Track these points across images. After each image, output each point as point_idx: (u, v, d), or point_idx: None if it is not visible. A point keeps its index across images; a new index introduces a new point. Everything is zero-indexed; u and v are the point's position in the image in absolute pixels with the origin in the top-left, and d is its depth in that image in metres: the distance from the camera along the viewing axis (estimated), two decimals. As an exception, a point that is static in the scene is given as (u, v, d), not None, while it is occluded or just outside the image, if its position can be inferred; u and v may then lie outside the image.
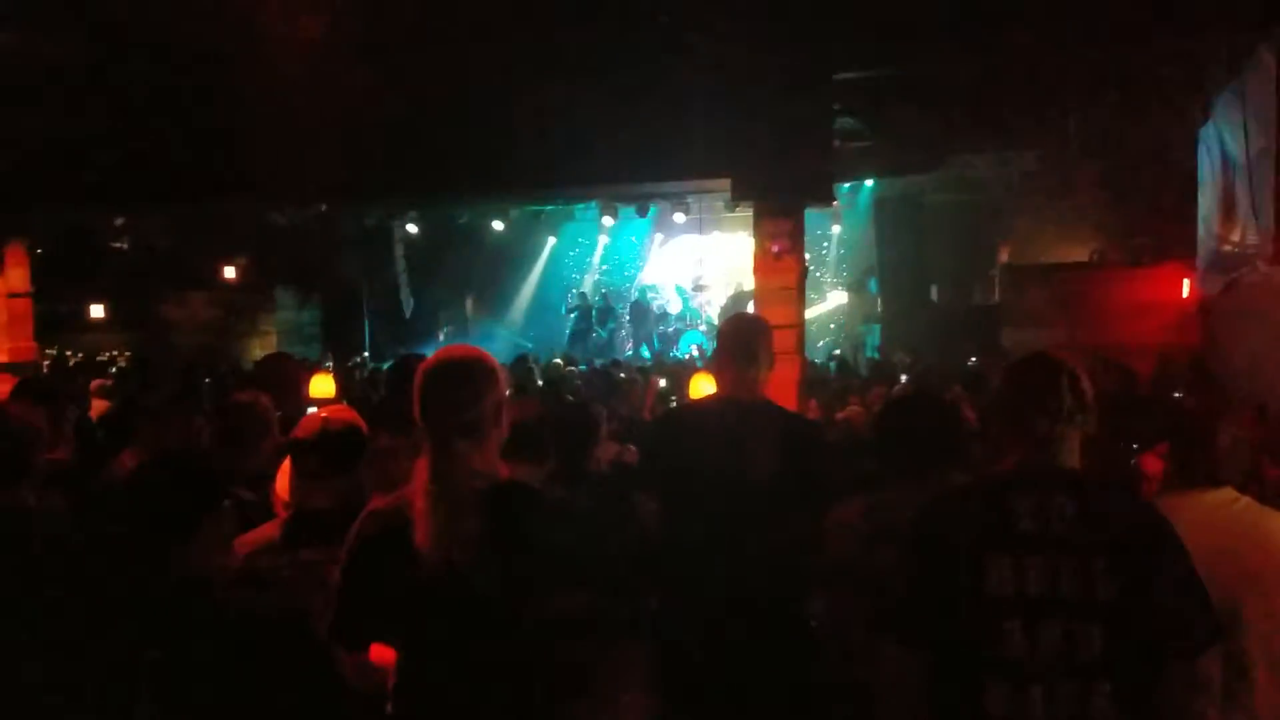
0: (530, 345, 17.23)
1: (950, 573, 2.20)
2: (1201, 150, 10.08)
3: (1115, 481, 2.78)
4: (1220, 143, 9.32)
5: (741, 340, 3.37)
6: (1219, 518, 2.87)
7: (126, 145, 9.76)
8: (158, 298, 15.06)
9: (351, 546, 2.31)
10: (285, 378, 4.67)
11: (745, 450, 3.18)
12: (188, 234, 13.82)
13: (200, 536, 2.42)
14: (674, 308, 18.62)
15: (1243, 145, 8.41)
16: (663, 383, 9.16)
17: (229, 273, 15.12)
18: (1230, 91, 8.86)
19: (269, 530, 2.91)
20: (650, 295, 18.61)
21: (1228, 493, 2.92)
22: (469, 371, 2.32)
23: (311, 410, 3.27)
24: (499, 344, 16.61)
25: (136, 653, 2.49)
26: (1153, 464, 3.89)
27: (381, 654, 2.35)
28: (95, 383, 8.21)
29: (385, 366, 10.77)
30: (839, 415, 6.51)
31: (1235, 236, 8.80)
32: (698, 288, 18.19)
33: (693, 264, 18.43)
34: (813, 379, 9.39)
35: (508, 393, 2.43)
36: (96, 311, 14.77)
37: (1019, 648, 2.12)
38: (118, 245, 13.77)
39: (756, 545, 3.12)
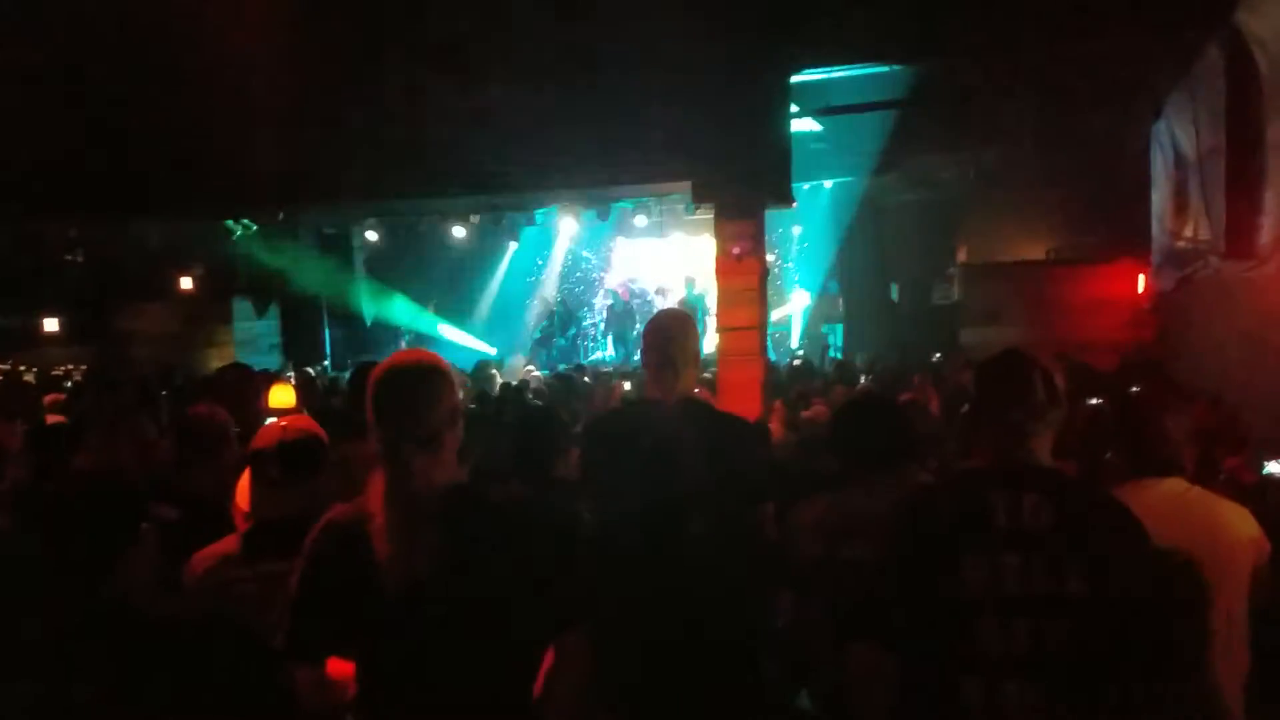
0: (494, 351, 17.17)
1: (926, 570, 2.20)
2: (1154, 148, 10.25)
3: (1087, 479, 2.81)
4: (1172, 140, 9.47)
5: (661, 340, 3.26)
6: (1171, 507, 2.91)
7: (78, 156, 9.61)
8: (113, 310, 14.84)
9: (308, 557, 2.25)
10: (242, 388, 4.62)
11: (667, 454, 3.10)
12: (143, 245, 13.62)
13: (127, 556, 2.36)
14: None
15: (1193, 142, 8.56)
16: (627, 385, 9.15)
17: (185, 283, 14.93)
18: (1181, 89, 9.01)
19: (229, 543, 2.87)
20: (622, 298, 18.61)
21: (1178, 483, 2.96)
22: (424, 378, 2.28)
23: (270, 420, 3.22)
24: (462, 350, 16.55)
25: (67, 682, 2.41)
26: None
27: (338, 668, 2.30)
28: (49, 398, 8.06)
29: (346, 375, 10.68)
30: (804, 414, 6.53)
31: (1188, 232, 8.94)
32: (659, 291, 18.21)
33: (655, 267, 18.48)
34: (775, 379, 9.42)
35: (462, 397, 2.38)
36: (50, 325, 14.53)
37: (994, 644, 2.13)
38: (71, 258, 13.55)
39: (683, 553, 3.05)
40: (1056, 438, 2.32)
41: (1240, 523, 2.95)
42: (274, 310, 15.87)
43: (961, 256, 14.89)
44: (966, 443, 2.44)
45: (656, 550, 3.08)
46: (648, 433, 3.19)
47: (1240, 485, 3.82)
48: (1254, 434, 4.89)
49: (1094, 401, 5.56)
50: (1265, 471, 4.02)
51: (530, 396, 8.47)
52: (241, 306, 15.23)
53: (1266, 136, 7.09)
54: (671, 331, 3.29)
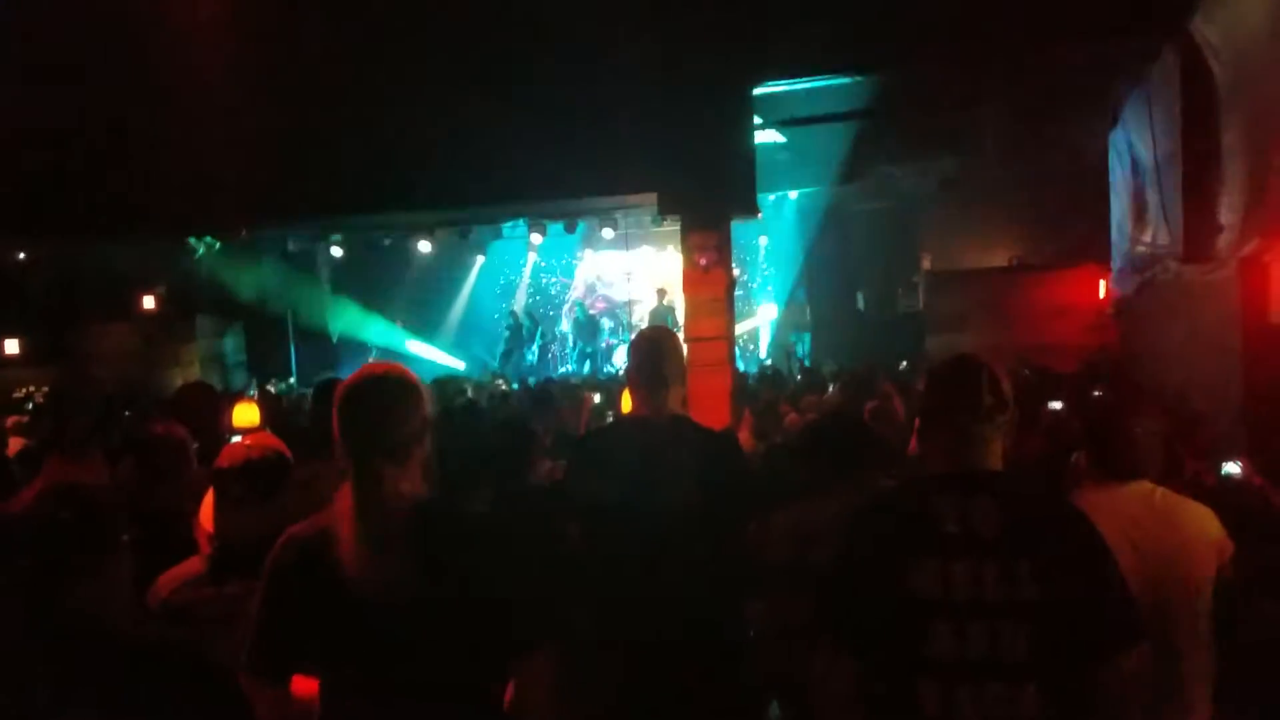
0: (462, 365, 17.09)
1: (878, 577, 2.21)
2: (1112, 154, 10.39)
3: (1038, 482, 2.84)
4: (1130, 147, 9.61)
5: (650, 358, 3.28)
6: (1138, 509, 2.94)
7: (37, 177, 9.50)
8: (75, 331, 14.64)
9: (269, 573, 2.21)
10: (203, 407, 4.56)
11: (660, 471, 3.12)
12: (104, 264, 13.47)
13: (98, 576, 2.31)
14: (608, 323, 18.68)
15: (1151, 148, 8.68)
16: (597, 398, 9.14)
17: (148, 302, 14.76)
18: (1138, 97, 9.14)
19: (193, 564, 2.83)
20: (591, 311, 18.61)
21: (1144, 485, 3.00)
22: (394, 390, 2.25)
23: (234, 439, 3.19)
24: (430, 365, 16.47)
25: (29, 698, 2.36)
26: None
27: (302, 686, 2.26)
28: (10, 420, 7.94)
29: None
30: (786, 420, 6.56)
31: (1147, 237, 9.06)
32: (627, 304, 18.26)
33: (622, 279, 18.51)
34: (744, 389, 9.44)
35: (430, 411, 2.36)
36: (11, 347, 14.30)
37: (948, 650, 2.13)
38: (32, 278, 13.38)
39: (677, 569, 3.07)
40: (1022, 440, 2.34)
41: (1206, 523, 3.00)
42: (238, 328, 15.72)
43: (926, 265, 15.01)
44: (920, 448, 2.43)
45: (649, 566, 3.08)
46: (642, 450, 3.20)
47: (1203, 486, 3.87)
48: (1214, 435, 4.96)
49: (1056, 405, 5.63)
50: (1223, 472, 4.07)
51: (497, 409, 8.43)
52: (205, 324, 15.07)
53: (1222, 142, 7.21)
54: (663, 349, 3.32)
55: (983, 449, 2.26)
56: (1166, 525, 2.93)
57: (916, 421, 2.45)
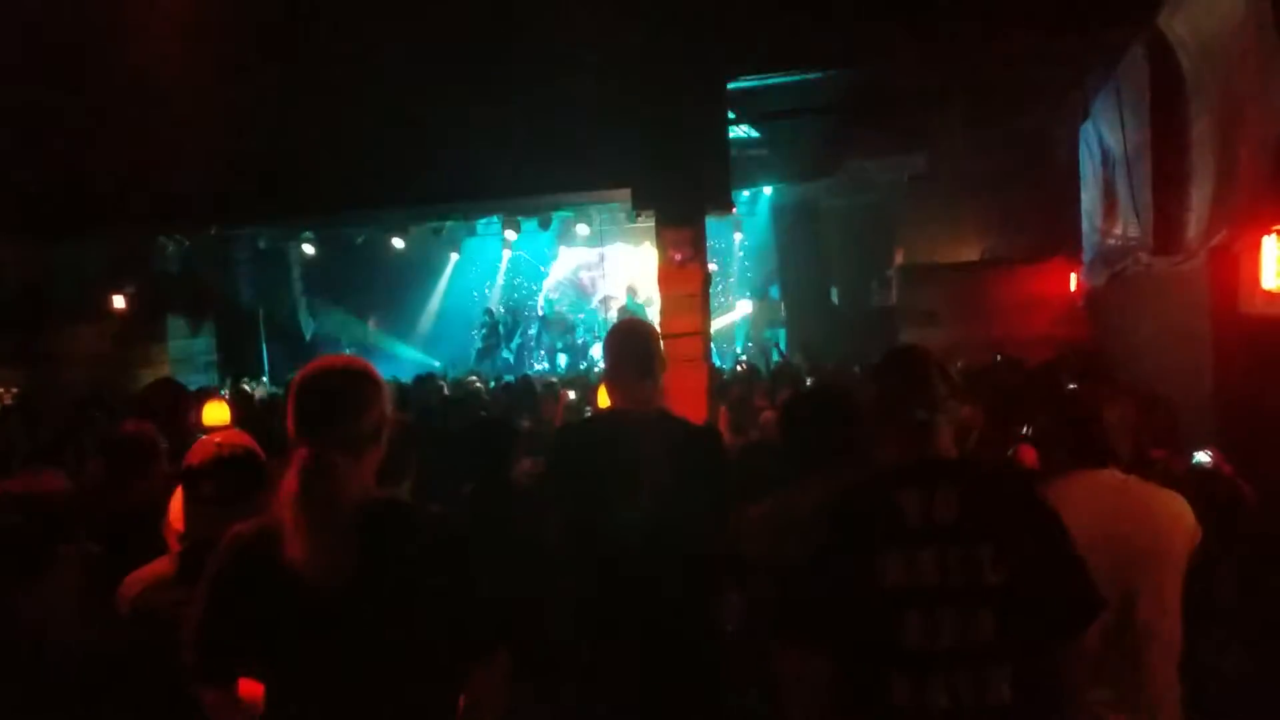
0: (437, 363, 17.00)
1: (845, 571, 2.22)
2: (1083, 147, 10.46)
3: (997, 467, 2.86)
4: (1100, 140, 9.67)
5: (630, 351, 3.28)
6: (1110, 496, 2.97)
7: (2, 175, 9.37)
8: (44, 332, 14.45)
9: (212, 574, 2.14)
10: (171, 404, 4.50)
11: (644, 465, 3.12)
12: (73, 264, 13.31)
13: (40, 584, 2.27)
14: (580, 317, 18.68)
15: (1120, 142, 8.74)
16: (572, 395, 9.13)
17: (118, 302, 14.60)
18: (1107, 89, 9.21)
19: (162, 564, 2.79)
20: (558, 308, 18.57)
21: (1114, 473, 3.02)
22: (352, 382, 2.20)
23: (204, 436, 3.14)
24: (405, 364, 16.38)
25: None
26: (1029, 454, 4.02)
27: (248, 689, 2.20)
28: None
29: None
30: (762, 417, 6.57)
31: (1117, 230, 9.13)
32: (602, 301, 18.23)
33: (596, 276, 18.49)
34: (720, 385, 9.45)
35: (390, 408, 2.30)
36: (-22, 348, 14.10)
37: (918, 639, 2.15)
38: (-1, 278, 13.20)
39: (659, 562, 3.08)
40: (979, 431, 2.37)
41: (1177, 509, 3.03)
42: (209, 327, 15.59)
43: (899, 259, 15.06)
44: (876, 440, 2.45)
45: (632, 560, 3.08)
46: (623, 444, 3.19)
47: (1173, 475, 3.90)
48: (1185, 425, 5.00)
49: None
50: (1195, 461, 4.10)
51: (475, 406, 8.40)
52: (176, 324, 14.92)
53: (1190, 134, 7.27)
54: (647, 343, 3.31)
55: (938, 437, 2.30)
56: (1138, 511, 2.96)
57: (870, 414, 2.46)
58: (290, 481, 2.09)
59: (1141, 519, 2.94)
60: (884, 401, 2.39)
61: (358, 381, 2.20)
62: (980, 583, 2.14)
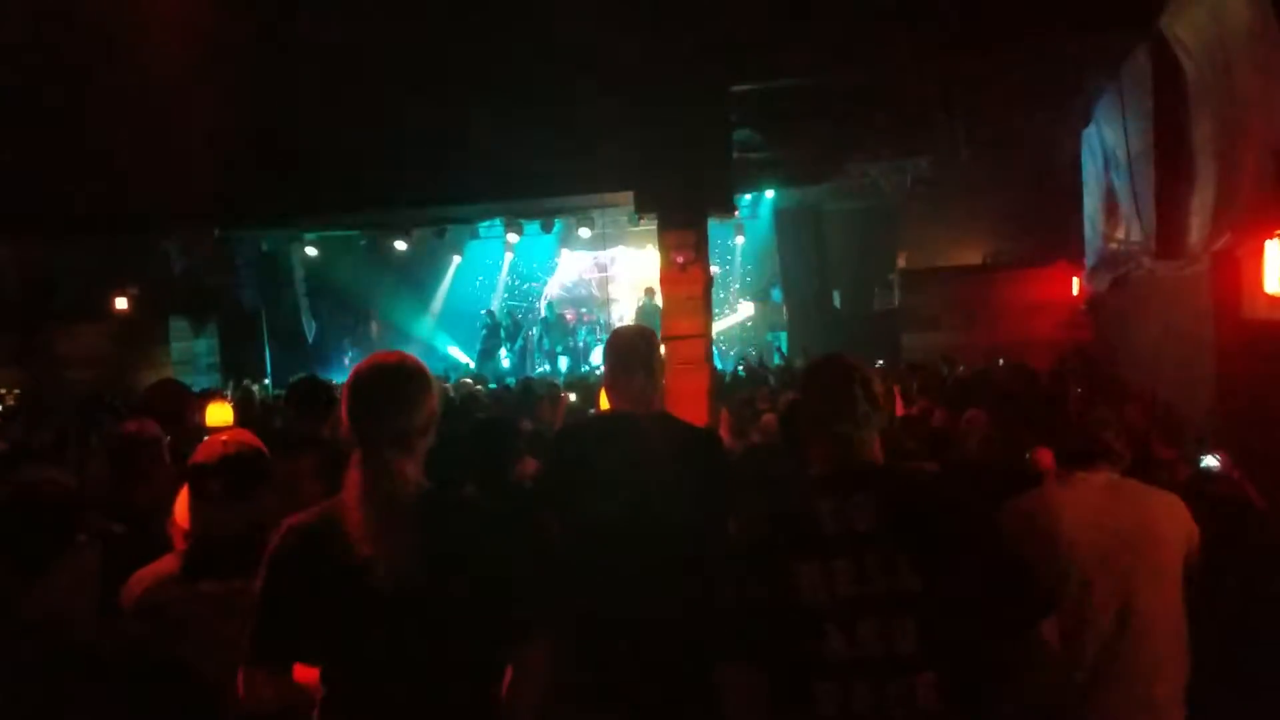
0: (439, 366, 17.03)
1: (765, 582, 2.21)
2: (1085, 152, 10.47)
3: (918, 472, 2.85)
4: (1102, 145, 9.68)
5: (629, 354, 3.30)
6: (1103, 497, 2.97)
7: (7, 177, 9.37)
8: (46, 332, 14.48)
9: (271, 563, 2.21)
10: (174, 404, 4.50)
11: (642, 466, 3.12)
12: (76, 265, 13.34)
13: (51, 575, 2.27)
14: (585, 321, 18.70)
15: (1123, 145, 8.75)
16: (573, 397, 9.12)
17: (121, 303, 14.62)
18: (1110, 93, 9.21)
19: (168, 562, 2.79)
20: (560, 311, 18.59)
21: (1109, 475, 3.02)
22: (407, 378, 2.28)
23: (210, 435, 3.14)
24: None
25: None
26: (1047, 457, 4.02)
27: (303, 674, 2.26)
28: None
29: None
30: (763, 420, 6.56)
31: (1120, 234, 9.14)
32: (606, 302, 18.27)
33: (599, 278, 18.52)
34: (722, 387, 9.46)
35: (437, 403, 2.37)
36: (-19, 349, 14.12)
37: (839, 648, 2.13)
38: (3, 279, 13.23)
39: (659, 566, 3.07)
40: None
41: (1173, 510, 3.03)
42: (212, 329, 15.61)
43: (901, 263, 15.09)
44: (802, 451, 2.46)
45: (631, 564, 3.08)
46: (626, 444, 3.20)
47: (1176, 479, 3.90)
48: (1188, 428, 5.00)
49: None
50: (1202, 465, 4.10)
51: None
52: (178, 326, 14.94)
53: (1193, 139, 7.28)
54: (647, 346, 3.33)
55: (860, 448, 2.29)
56: (1134, 512, 2.96)
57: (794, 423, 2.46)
58: (353, 476, 2.19)
59: (1137, 519, 2.94)
60: (808, 418, 2.40)
61: (414, 377, 2.29)
62: (900, 589, 2.13)
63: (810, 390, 2.44)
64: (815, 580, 2.15)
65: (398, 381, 2.27)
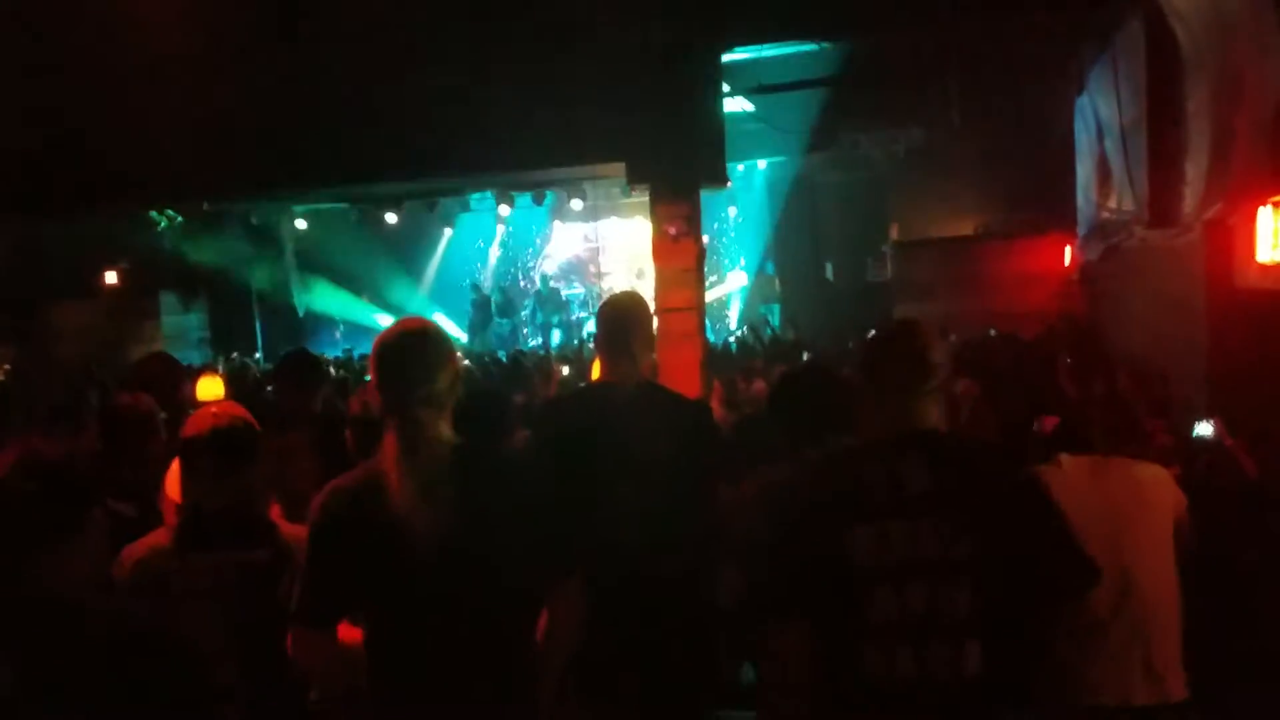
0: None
1: (815, 545, 2.22)
2: (1078, 121, 10.43)
3: (972, 440, 2.85)
4: (1095, 113, 9.64)
5: (617, 324, 3.29)
6: (1094, 474, 2.99)
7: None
8: (36, 308, 14.41)
9: (318, 524, 2.30)
10: (165, 377, 4.49)
11: (628, 434, 3.12)
12: (65, 240, 13.25)
13: (64, 550, 2.26)
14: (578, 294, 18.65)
15: (1116, 115, 8.72)
16: (565, 370, 9.12)
17: (110, 278, 14.55)
18: (1103, 62, 9.17)
19: (159, 535, 2.78)
20: (553, 284, 18.53)
21: (1095, 457, 3.04)
22: (432, 341, 2.38)
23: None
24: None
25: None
26: (1051, 424, 4.03)
27: (346, 634, 2.37)
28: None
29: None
30: (753, 388, 6.57)
31: (1112, 203, 9.12)
32: (599, 275, 18.20)
33: (591, 251, 18.44)
34: (714, 360, 9.45)
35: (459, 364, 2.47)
36: (-29, 325, 14.05)
37: (889, 612, 2.15)
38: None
39: (647, 535, 3.08)
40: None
41: (1158, 482, 3.05)
42: (202, 304, 15.55)
43: (894, 234, 15.06)
44: (862, 414, 2.46)
45: (618, 533, 3.07)
46: (607, 415, 3.19)
47: (1168, 448, 3.92)
48: (1180, 397, 5.02)
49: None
50: (1195, 434, 4.11)
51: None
52: (169, 300, 14.88)
53: (1186, 107, 7.25)
54: (629, 317, 3.31)
55: (919, 412, 2.29)
56: (1123, 486, 2.98)
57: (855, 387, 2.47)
58: (389, 439, 2.29)
59: (1127, 493, 2.97)
60: (869, 375, 2.39)
61: (438, 341, 2.40)
62: (952, 555, 2.14)
63: (874, 350, 2.43)
64: (869, 543, 2.17)
65: (425, 345, 2.36)
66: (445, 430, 2.34)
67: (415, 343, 2.37)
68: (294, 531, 2.71)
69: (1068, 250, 11.59)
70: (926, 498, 2.17)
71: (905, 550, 2.15)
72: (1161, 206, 7.60)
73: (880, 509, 2.18)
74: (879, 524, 2.17)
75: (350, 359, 13.17)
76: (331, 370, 9.90)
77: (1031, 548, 2.17)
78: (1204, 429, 4.07)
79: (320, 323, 17.45)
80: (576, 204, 14.42)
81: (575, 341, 16.43)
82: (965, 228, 14.34)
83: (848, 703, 2.21)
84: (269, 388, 8.53)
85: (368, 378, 2.64)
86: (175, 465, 2.85)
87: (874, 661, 2.15)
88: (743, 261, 17.89)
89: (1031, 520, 2.19)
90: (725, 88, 9.32)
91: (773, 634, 2.33)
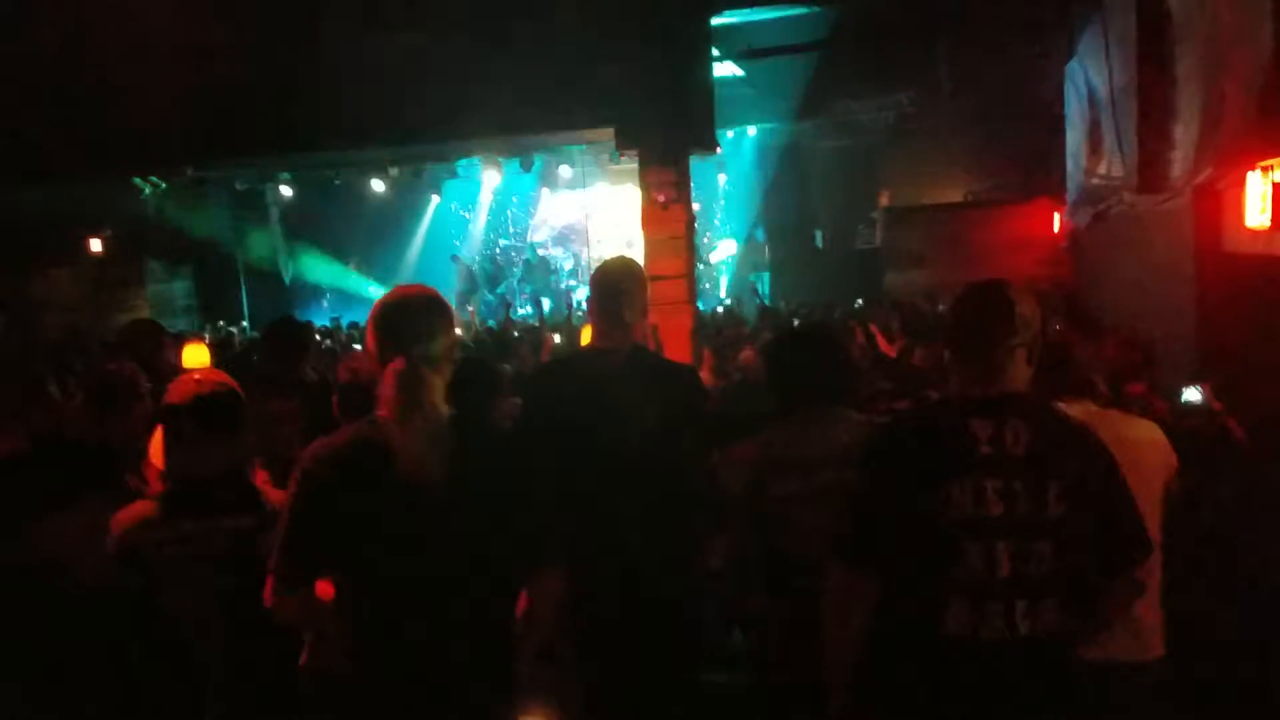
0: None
1: (910, 497, 2.25)
2: (1068, 87, 10.39)
3: (1056, 406, 2.85)
4: (1085, 79, 9.60)
5: (609, 288, 3.27)
6: (1089, 425, 3.00)
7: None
8: (19, 276, 14.29)
9: (303, 480, 2.27)
10: (149, 343, 4.44)
11: (620, 400, 3.12)
12: (49, 207, 13.11)
13: (68, 516, 2.26)
14: (568, 264, 18.53)
15: (1106, 80, 8.68)
16: (557, 338, 9.09)
17: (95, 246, 14.42)
18: (1093, 28, 9.12)
19: (146, 504, 2.76)
20: (541, 252, 18.41)
21: (1088, 405, 3.05)
22: (434, 306, 2.40)
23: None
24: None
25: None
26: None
27: (324, 590, 2.35)
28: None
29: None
30: (742, 356, 6.56)
31: (1102, 169, 9.10)
32: (588, 243, 18.08)
33: (581, 219, 18.31)
34: (703, 327, 9.44)
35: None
36: (-47, 294, 13.93)
37: (978, 567, 2.19)
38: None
39: (636, 500, 3.08)
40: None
41: (1153, 436, 3.07)
42: (187, 271, 15.43)
43: (883, 201, 15.04)
44: (949, 372, 2.48)
45: (608, 497, 3.08)
46: (598, 380, 3.18)
47: (1152, 409, 3.92)
48: (1166, 361, 5.02)
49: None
50: (1184, 399, 4.11)
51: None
52: (154, 268, 14.76)
53: (1176, 72, 7.22)
54: (621, 284, 3.28)
55: (1011, 373, 2.31)
56: (1115, 439, 2.98)
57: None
58: (389, 387, 2.28)
59: (1118, 447, 2.97)
60: (960, 334, 2.40)
61: (439, 306, 2.42)
62: (1043, 515, 2.19)
63: (965, 309, 2.42)
64: (964, 499, 2.20)
65: (428, 305, 2.39)
66: (441, 395, 2.34)
67: (419, 302, 2.39)
68: (280, 498, 2.69)
69: (1057, 216, 11.59)
70: (1024, 457, 2.21)
71: (999, 508, 2.19)
72: (1151, 172, 7.59)
73: (982, 465, 2.21)
74: (979, 480, 2.20)
75: (337, 327, 13.10)
76: (318, 338, 9.87)
77: (1108, 515, 2.25)
78: (1192, 394, 4.08)
79: (307, 291, 17.34)
80: (565, 170, 14.32)
81: (565, 310, 16.38)
82: (955, 194, 14.32)
83: (922, 656, 2.26)
84: (254, 356, 8.51)
85: (356, 346, 2.63)
86: (158, 432, 2.83)
87: (958, 617, 2.20)
88: (728, 228, 17.81)
89: (1112, 489, 2.26)
90: (715, 52, 9.25)
91: (844, 576, 2.35)
